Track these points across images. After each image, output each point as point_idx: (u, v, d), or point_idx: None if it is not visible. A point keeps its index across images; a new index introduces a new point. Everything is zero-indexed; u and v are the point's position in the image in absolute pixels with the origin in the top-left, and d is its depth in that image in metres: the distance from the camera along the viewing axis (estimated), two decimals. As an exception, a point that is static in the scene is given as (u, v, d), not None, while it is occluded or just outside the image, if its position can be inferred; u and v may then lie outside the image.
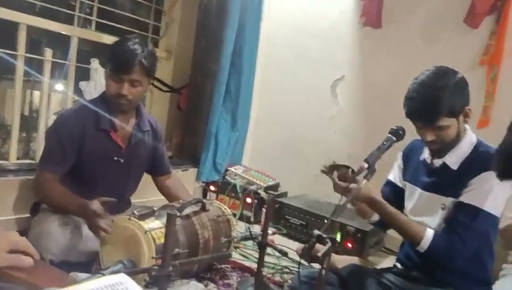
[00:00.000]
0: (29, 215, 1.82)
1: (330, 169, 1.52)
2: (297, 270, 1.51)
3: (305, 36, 3.08)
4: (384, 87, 2.70)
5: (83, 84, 2.43)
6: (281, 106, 3.21)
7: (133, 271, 1.34)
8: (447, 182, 1.49)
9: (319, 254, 1.30)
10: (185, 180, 2.74)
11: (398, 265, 1.68)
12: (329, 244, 1.30)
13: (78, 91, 2.43)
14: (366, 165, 1.40)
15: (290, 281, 1.81)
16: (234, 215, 2.37)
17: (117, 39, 1.91)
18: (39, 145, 2.31)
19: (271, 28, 3.19)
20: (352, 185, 1.41)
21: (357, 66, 2.88)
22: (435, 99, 1.39)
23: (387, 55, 2.72)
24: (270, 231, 1.91)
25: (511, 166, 0.66)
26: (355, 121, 2.88)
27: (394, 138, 1.49)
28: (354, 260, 1.98)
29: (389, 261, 2.05)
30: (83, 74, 2.46)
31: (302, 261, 1.55)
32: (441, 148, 1.50)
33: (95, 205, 1.54)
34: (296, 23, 3.12)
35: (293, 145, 3.13)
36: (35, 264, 0.88)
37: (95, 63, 2.44)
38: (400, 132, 1.50)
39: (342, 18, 2.90)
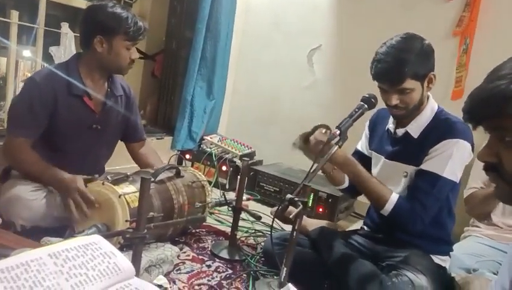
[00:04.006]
0: (-1, 181, 1.78)
1: (305, 138, 1.54)
2: (269, 233, 1.55)
3: (282, 4, 3.05)
4: (360, 57, 2.68)
5: (53, 49, 2.34)
6: (257, 74, 3.21)
7: (107, 234, 1.35)
8: (409, 150, 1.53)
9: (291, 216, 1.35)
10: (160, 148, 2.73)
11: (365, 227, 1.75)
12: (300, 206, 1.35)
13: (47, 57, 2.35)
14: (338, 132, 1.42)
15: (263, 244, 1.87)
16: (209, 182, 2.39)
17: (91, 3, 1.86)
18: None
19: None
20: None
21: (334, 35, 2.88)
22: (402, 61, 1.41)
23: (364, 24, 2.73)
24: (244, 196, 1.95)
25: (475, 108, 0.72)
26: (331, 90, 2.91)
27: (366, 106, 1.51)
28: (324, 223, 2.04)
29: (358, 225, 2.13)
30: (53, 40, 2.38)
31: (275, 224, 1.59)
32: (405, 114, 1.52)
33: (81, 183, 1.53)
34: (273, -10, 3.09)
35: (269, 114, 3.15)
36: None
37: (65, 28, 2.36)
38: (372, 99, 1.52)
39: (319, -14, 2.89)
